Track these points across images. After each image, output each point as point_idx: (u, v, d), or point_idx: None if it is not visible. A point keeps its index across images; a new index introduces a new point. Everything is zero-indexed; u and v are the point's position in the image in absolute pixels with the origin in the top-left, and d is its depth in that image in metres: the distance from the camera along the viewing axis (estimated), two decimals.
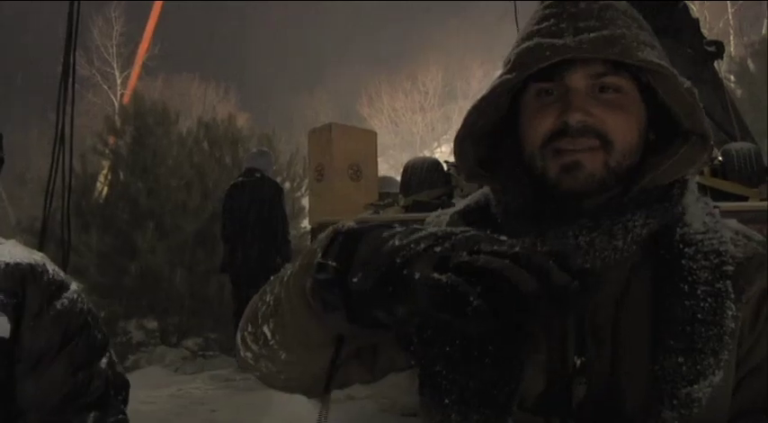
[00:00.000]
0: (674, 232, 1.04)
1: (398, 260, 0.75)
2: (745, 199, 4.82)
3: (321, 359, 0.95)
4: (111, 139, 10.17)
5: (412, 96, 36.36)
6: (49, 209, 4.54)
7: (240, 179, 7.17)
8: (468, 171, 1.14)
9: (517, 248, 0.73)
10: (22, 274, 1.48)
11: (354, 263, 0.80)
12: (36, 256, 1.55)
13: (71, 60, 4.63)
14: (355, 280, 0.79)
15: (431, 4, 34.95)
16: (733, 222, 1.10)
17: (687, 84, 1.01)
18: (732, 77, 15.99)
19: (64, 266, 4.22)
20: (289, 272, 0.95)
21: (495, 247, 0.73)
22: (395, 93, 37.74)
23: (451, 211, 1.20)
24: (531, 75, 1.02)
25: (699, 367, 0.97)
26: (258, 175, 7.06)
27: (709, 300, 0.99)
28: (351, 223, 0.87)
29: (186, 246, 9.19)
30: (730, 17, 27.26)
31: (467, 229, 0.79)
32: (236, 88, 31.14)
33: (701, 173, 5.02)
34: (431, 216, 1.23)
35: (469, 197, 1.21)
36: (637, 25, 1.03)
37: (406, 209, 5.44)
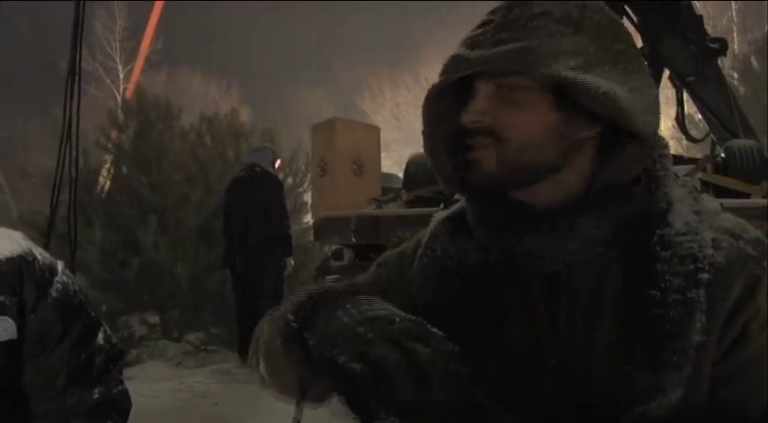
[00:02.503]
0: (652, 233, 1.03)
1: (338, 338, 0.88)
2: (747, 196, 4.83)
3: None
4: (114, 134, 10.15)
5: (414, 92, 36.27)
6: (56, 205, 4.55)
7: (241, 174, 7.18)
8: (445, 181, 1.17)
9: (425, 353, 0.85)
10: (17, 269, 1.46)
11: (312, 325, 0.95)
12: (21, 242, 1.52)
13: (77, 57, 4.63)
14: (311, 342, 0.92)
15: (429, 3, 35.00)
16: (728, 218, 1.07)
17: (603, 88, 1.00)
18: (735, 75, 15.95)
19: (71, 262, 4.24)
20: (278, 320, 1.06)
21: (411, 346, 0.84)
22: (397, 88, 37.65)
23: (441, 215, 1.25)
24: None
25: (661, 383, 0.96)
26: (258, 169, 7.06)
27: (678, 309, 0.98)
28: (321, 288, 1.04)
29: (189, 240, 9.19)
30: (734, 14, 27.19)
31: (410, 317, 0.91)
32: (239, 83, 31.10)
33: (704, 170, 5.03)
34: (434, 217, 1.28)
35: (460, 202, 1.24)
36: (570, 31, 1.03)
37: (409, 204, 5.44)
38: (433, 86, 1.11)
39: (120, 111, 11.01)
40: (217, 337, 8.86)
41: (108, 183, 9.84)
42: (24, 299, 1.45)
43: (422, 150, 1.18)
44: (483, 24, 1.07)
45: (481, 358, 1.05)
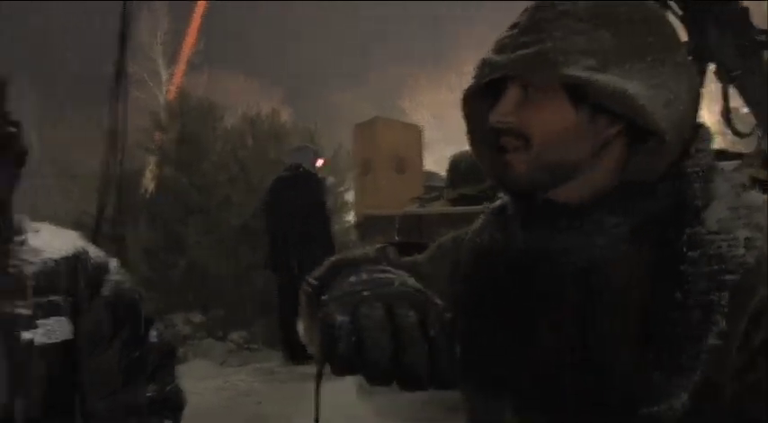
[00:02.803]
0: (682, 232, 0.99)
1: (338, 296, 0.91)
2: None
3: None
4: (157, 135, 10.28)
5: (456, 92, 35.86)
6: (104, 205, 4.63)
7: (284, 174, 7.19)
8: (491, 178, 1.18)
9: (410, 318, 0.85)
10: (71, 268, 1.49)
11: (329, 287, 0.97)
12: (75, 241, 1.56)
13: (124, 60, 4.71)
14: (322, 297, 0.95)
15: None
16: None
17: (614, 87, 0.99)
18: None
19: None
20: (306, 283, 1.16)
21: (399, 310, 0.86)
22: (438, 87, 37.55)
23: (494, 204, 1.27)
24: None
25: (670, 386, 0.94)
26: (301, 169, 7.08)
27: (697, 312, 0.94)
28: (348, 254, 1.16)
29: (231, 240, 9.27)
30: None
31: (415, 285, 0.93)
32: (279, 84, 31.25)
33: (751, 165, 4.94)
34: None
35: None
36: (590, 28, 1.02)
37: (453, 202, 5.42)
38: (466, 89, 1.13)
39: (163, 113, 11.17)
40: (260, 335, 8.92)
41: (152, 184, 9.97)
42: (78, 298, 1.48)
43: (465, 148, 1.20)
44: (511, 27, 1.09)
45: (513, 355, 1.08)
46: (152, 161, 10.21)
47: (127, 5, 4.88)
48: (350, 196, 10.61)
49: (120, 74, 4.81)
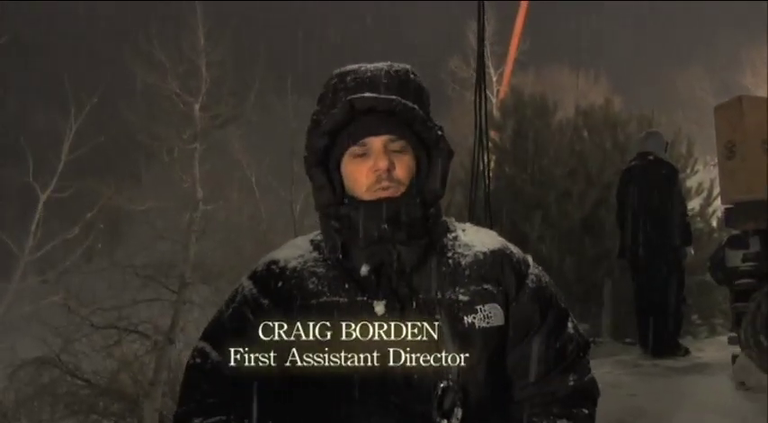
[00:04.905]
0: None
1: None
2: None
3: None
4: (493, 134, 10.54)
5: None
6: (473, 203, 4.86)
7: (633, 163, 7.01)
8: None
9: None
10: (498, 261, 1.60)
11: None
12: (497, 238, 1.67)
13: (482, 64, 4.92)
14: None
15: None
16: None
17: None
18: None
19: None
20: None
21: None
22: None
23: None
24: None
25: None
26: (651, 157, 6.87)
27: None
28: None
29: (573, 233, 9.25)
30: None
31: None
32: (607, 73, 30.46)
33: None
34: None
35: None
36: None
37: None
38: None
39: (496, 112, 11.45)
40: (604, 328, 8.80)
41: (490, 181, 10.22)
42: (506, 288, 1.59)
43: None
44: None
45: None
46: (491, 159, 10.48)
47: (482, 8, 5.07)
48: (690, 183, 10.15)
49: (479, 75, 5.05)
